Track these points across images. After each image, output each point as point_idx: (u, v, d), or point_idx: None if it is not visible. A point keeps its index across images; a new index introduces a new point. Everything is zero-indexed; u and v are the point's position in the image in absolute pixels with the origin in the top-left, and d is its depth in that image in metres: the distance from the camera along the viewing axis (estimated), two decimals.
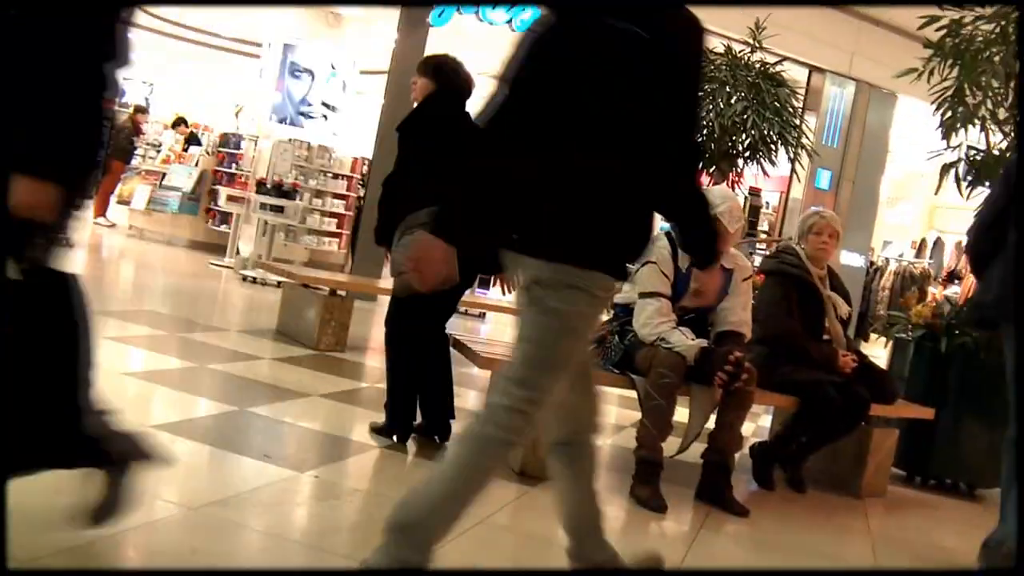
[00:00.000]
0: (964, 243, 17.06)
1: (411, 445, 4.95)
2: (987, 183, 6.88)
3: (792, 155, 9.39)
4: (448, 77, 5.04)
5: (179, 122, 16.54)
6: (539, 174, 2.66)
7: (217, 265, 12.68)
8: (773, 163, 9.40)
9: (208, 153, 15.14)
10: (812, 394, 5.27)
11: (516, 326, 2.80)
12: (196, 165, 14.93)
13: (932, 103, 7.02)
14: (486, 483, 2.79)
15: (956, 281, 17.54)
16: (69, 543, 2.82)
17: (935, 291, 16.41)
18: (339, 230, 15.14)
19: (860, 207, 14.64)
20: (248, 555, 3.13)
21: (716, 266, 3.05)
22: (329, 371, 6.69)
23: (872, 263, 15.90)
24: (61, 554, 2.74)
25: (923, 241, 18.84)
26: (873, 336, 13.85)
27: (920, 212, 20.94)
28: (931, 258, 17.93)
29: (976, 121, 6.74)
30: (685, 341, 4.74)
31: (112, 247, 13.47)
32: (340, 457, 4.58)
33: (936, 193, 7.36)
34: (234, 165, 14.64)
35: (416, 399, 5.01)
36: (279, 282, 11.03)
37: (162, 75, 23.85)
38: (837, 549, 4.63)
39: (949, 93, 6.88)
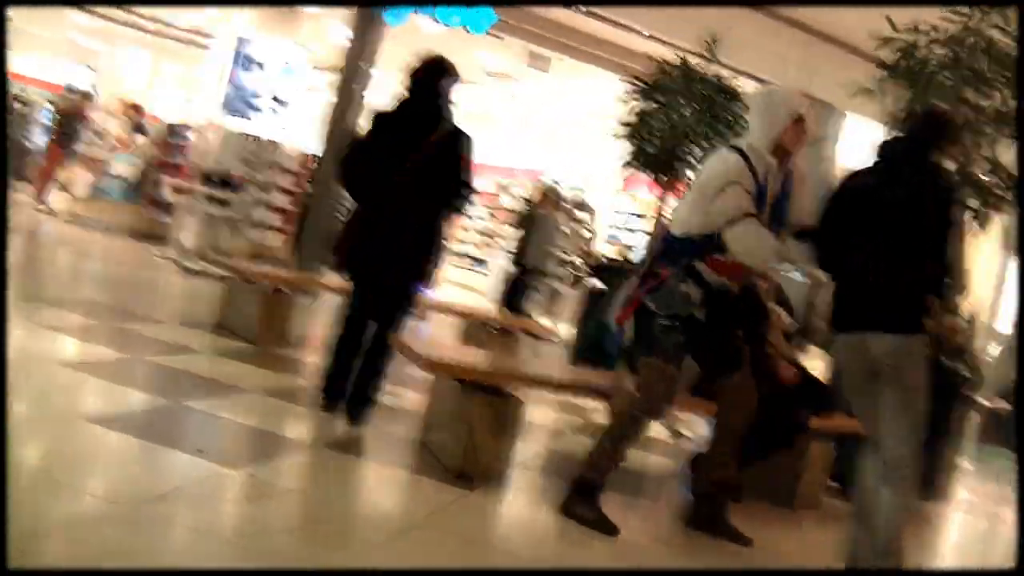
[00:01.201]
0: None
1: (350, 446, 4.91)
2: None
3: None
4: (417, 79, 5.26)
5: (133, 106, 16.24)
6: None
7: (160, 256, 12.47)
8: None
9: (154, 143, 14.90)
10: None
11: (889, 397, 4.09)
12: (141, 154, 14.69)
13: (885, 123, 7.09)
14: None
15: None
16: None
17: None
18: (284, 225, 14.96)
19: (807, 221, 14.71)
20: (177, 553, 3.05)
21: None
22: (269, 367, 6.59)
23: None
24: None
25: None
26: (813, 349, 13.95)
27: None
28: None
29: None
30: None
31: (51, 233, 13.19)
32: (276, 455, 4.49)
33: None
34: (180, 155, 14.42)
35: (347, 370, 5.32)
36: (221, 275, 10.88)
37: (111, 63, 23.56)
38: (769, 560, 4.64)
39: (902, 116, 6.95)
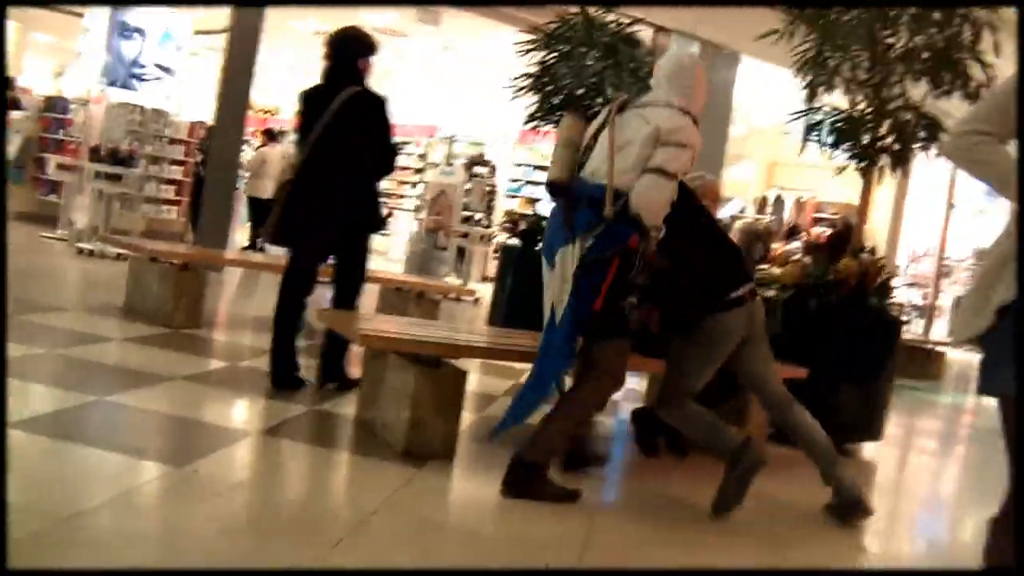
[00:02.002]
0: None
1: (285, 432, 4.70)
2: (848, 143, 6.98)
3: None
4: (331, 51, 5.55)
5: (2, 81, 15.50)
6: None
7: (48, 237, 11.95)
8: None
9: (31, 118, 14.22)
10: None
11: None
12: (18, 132, 14.01)
13: (793, 66, 7.07)
14: None
15: (796, 236, 18.04)
16: None
17: (776, 246, 16.82)
18: (177, 197, 14.52)
19: (704, 166, 14.61)
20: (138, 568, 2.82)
21: None
22: (187, 350, 6.31)
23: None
24: None
25: (764, 198, 19.29)
26: None
27: (760, 169, 21.43)
28: (773, 214, 18.37)
29: (839, 83, 6.81)
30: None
31: None
32: (216, 447, 4.24)
33: (800, 154, 7.43)
34: (62, 131, 13.79)
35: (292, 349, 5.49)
36: (118, 254, 10.46)
37: None
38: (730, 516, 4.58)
39: (809, 55, 6.93)
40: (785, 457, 6.08)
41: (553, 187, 4.34)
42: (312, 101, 5.46)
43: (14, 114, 14.50)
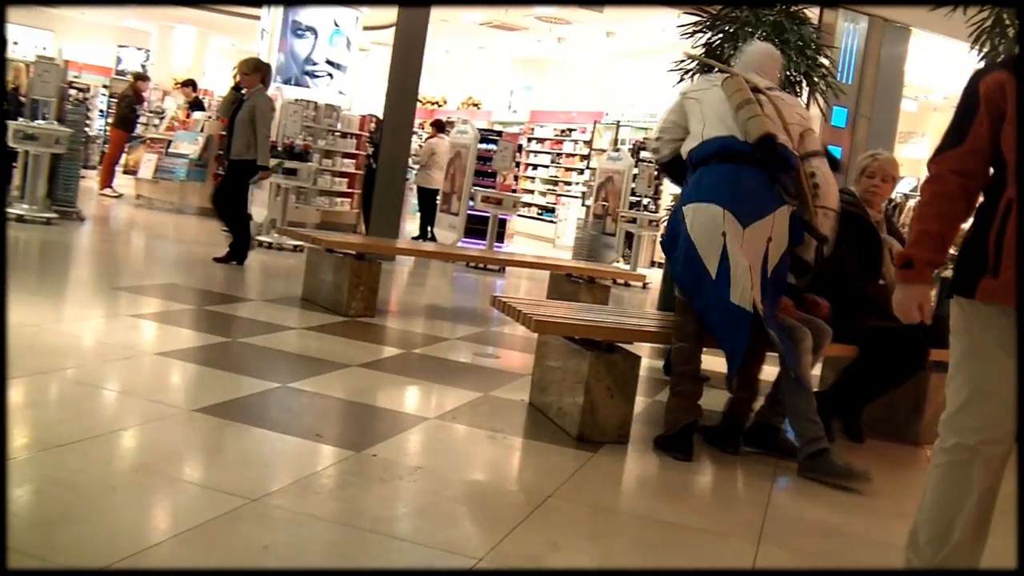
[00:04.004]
0: None
1: (467, 414, 4.77)
2: None
3: (822, 93, 9.06)
4: None
5: (188, 83, 16.21)
6: None
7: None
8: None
9: (213, 118, 14.82)
10: (873, 343, 5.08)
11: None
12: (201, 131, 14.62)
13: (969, 37, 6.77)
14: None
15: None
16: (135, 547, 2.64)
17: None
18: (349, 190, 14.89)
19: (876, 144, 14.25)
20: (319, 549, 2.90)
21: None
22: (363, 338, 6.48)
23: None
24: (128, 559, 2.56)
25: None
26: None
27: (934, 147, 20.57)
28: None
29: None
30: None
31: (120, 218, 13.18)
32: (394, 432, 4.35)
33: None
34: None
35: None
36: (295, 246, 10.81)
37: (160, 41, 23.55)
38: (912, 503, 4.42)
39: (988, 24, 6.62)
40: None
41: (770, 140, 4.39)
42: None
43: (197, 114, 15.15)
